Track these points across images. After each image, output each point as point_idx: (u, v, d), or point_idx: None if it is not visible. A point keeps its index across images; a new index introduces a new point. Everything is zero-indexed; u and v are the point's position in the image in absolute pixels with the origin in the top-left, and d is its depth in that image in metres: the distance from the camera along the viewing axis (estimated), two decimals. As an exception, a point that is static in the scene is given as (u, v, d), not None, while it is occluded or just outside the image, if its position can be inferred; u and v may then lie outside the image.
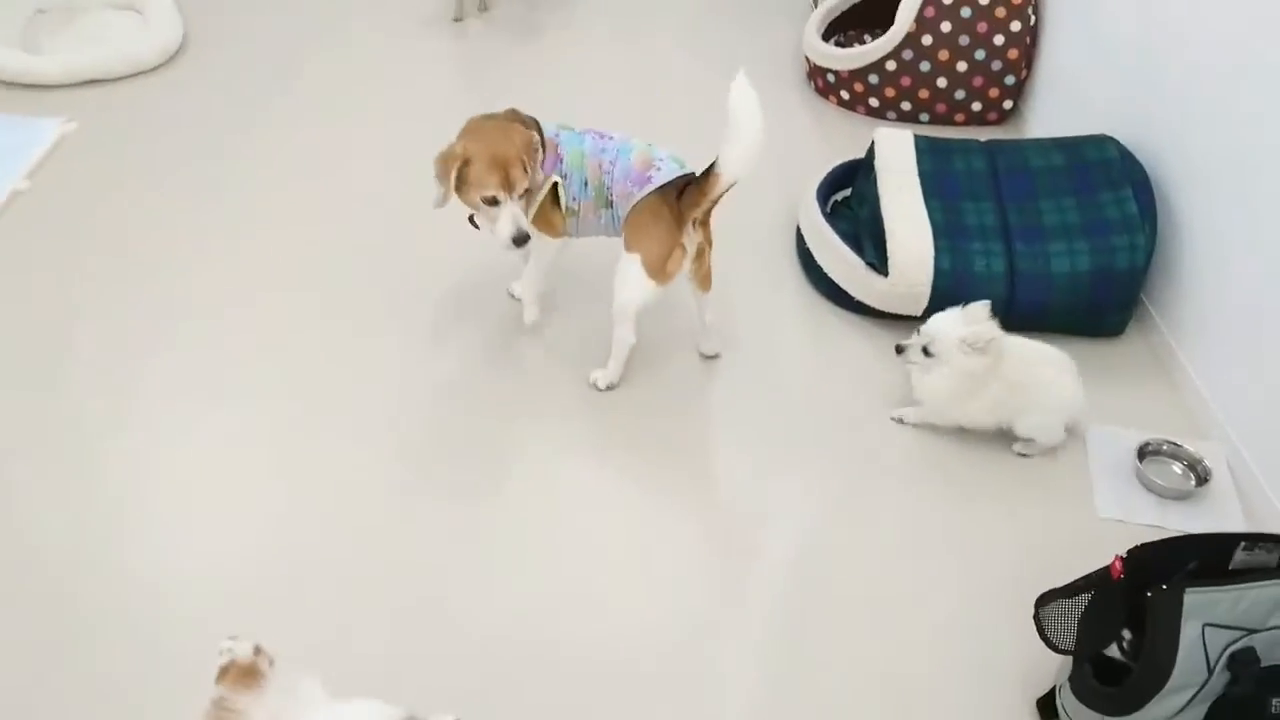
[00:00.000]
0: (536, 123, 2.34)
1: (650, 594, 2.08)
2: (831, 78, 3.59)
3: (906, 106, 3.51)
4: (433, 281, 2.79)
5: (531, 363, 2.58)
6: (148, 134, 3.34)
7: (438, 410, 2.46)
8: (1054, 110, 3.33)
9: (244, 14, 4.03)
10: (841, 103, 3.62)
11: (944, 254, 2.59)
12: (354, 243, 2.93)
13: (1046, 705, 1.85)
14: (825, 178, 2.97)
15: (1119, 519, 2.23)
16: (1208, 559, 1.71)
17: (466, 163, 2.22)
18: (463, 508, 2.24)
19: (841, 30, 3.81)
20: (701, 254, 2.37)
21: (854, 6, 3.76)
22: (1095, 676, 1.72)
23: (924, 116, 3.52)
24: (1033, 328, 2.40)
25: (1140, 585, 1.66)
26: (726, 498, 2.31)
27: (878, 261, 2.64)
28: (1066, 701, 1.78)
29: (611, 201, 2.35)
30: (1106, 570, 1.69)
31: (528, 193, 2.29)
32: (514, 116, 2.34)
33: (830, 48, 3.59)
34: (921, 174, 2.80)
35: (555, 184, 2.34)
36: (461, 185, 2.24)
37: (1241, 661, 1.61)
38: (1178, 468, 2.34)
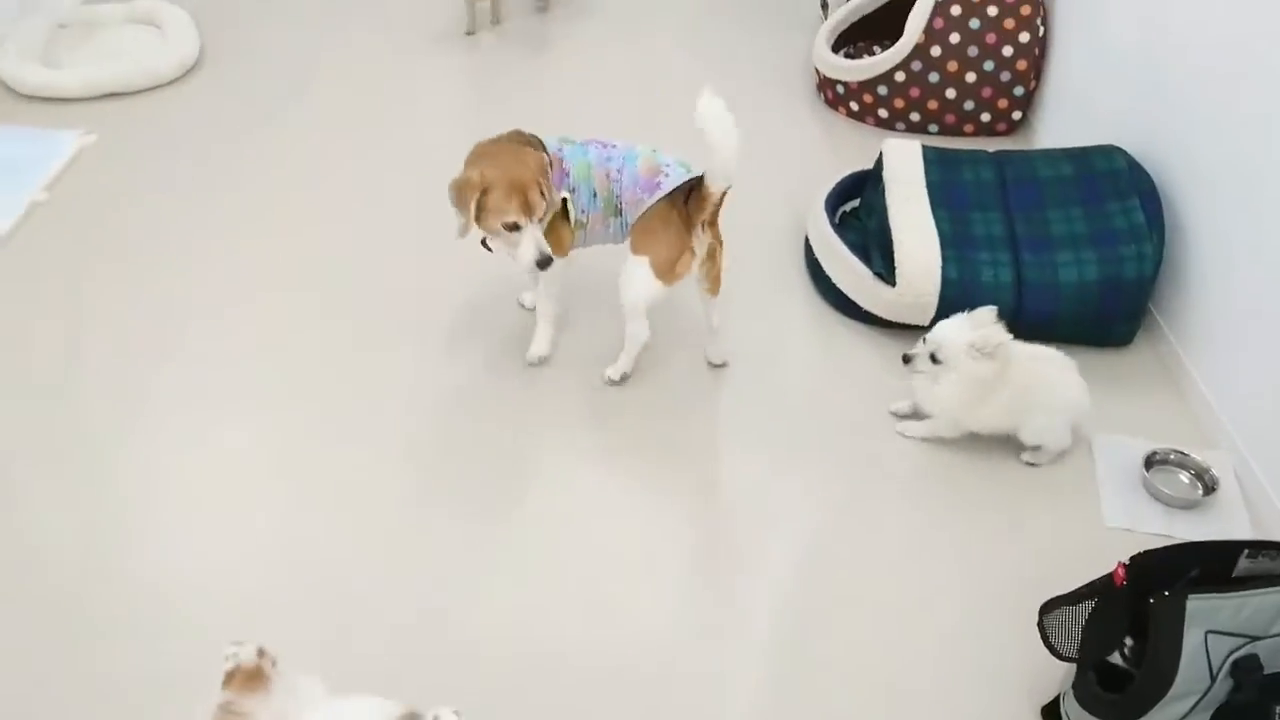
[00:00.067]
0: (540, 141, 2.36)
1: (655, 598, 2.09)
2: (841, 89, 3.61)
3: (916, 117, 3.52)
4: (444, 290, 2.82)
5: (539, 369, 2.60)
6: (165, 146, 3.39)
7: (445, 416, 2.48)
8: (1063, 121, 3.34)
9: (260, 28, 4.09)
10: (851, 114, 3.64)
11: (951, 264, 2.61)
12: (367, 253, 2.97)
13: (1051, 712, 1.85)
14: (834, 188, 2.98)
15: (1126, 528, 2.23)
16: (1211, 566, 1.71)
17: (485, 191, 2.22)
18: (468, 512, 2.26)
19: (851, 42, 3.83)
20: (713, 255, 2.39)
21: (864, 18, 3.78)
22: (1099, 683, 1.73)
23: (933, 127, 3.53)
24: (1040, 337, 2.40)
25: (1143, 592, 1.66)
26: (733, 504, 2.32)
27: (885, 271, 2.65)
28: (1070, 709, 1.78)
29: (620, 209, 2.38)
30: (1110, 577, 1.70)
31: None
32: (519, 138, 2.35)
33: (840, 59, 3.62)
34: (929, 184, 2.81)
35: (564, 199, 2.36)
36: (480, 213, 2.24)
37: (1245, 669, 1.62)
38: (1185, 477, 2.34)
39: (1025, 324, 2.44)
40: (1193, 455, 2.34)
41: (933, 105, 3.48)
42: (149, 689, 1.88)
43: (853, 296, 2.73)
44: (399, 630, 2.01)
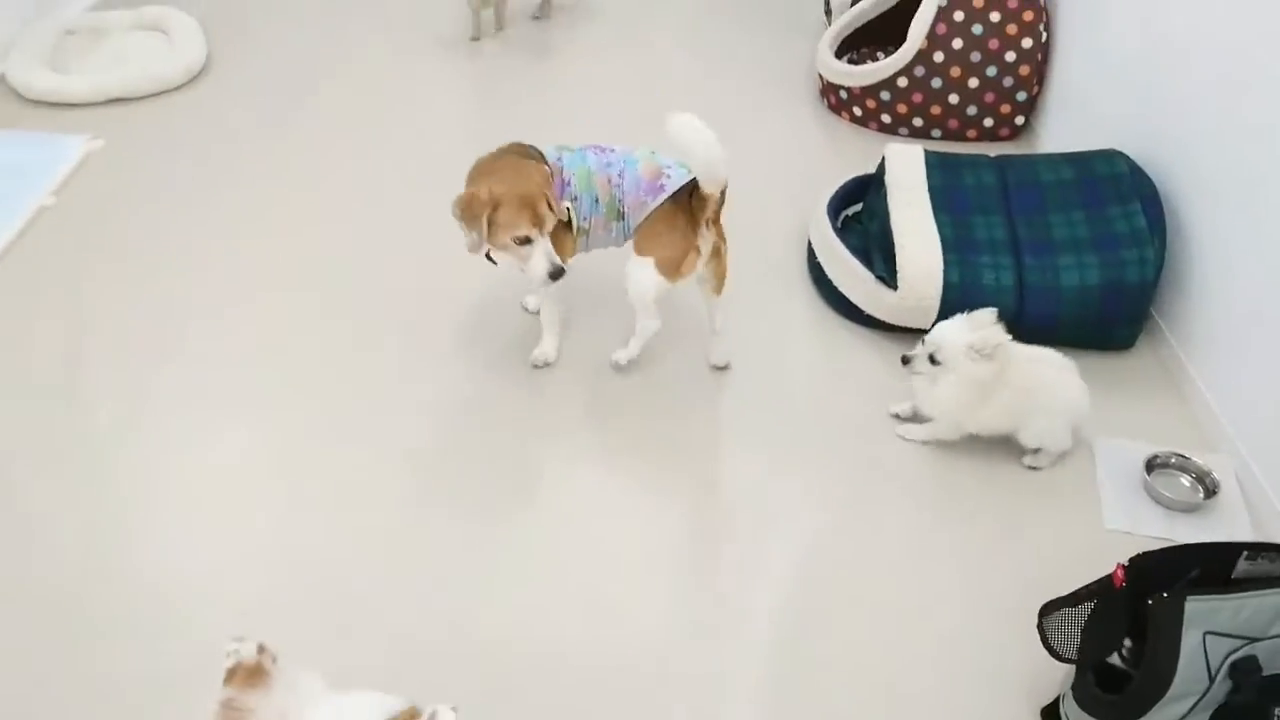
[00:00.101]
0: (539, 151, 2.37)
1: (655, 598, 2.10)
2: (844, 94, 3.62)
3: (919, 122, 3.53)
4: (446, 292, 2.83)
5: (541, 371, 2.61)
6: (171, 151, 3.42)
7: (445, 417, 2.49)
8: (1066, 126, 3.34)
9: (267, 35, 4.12)
10: (854, 119, 3.65)
11: (953, 267, 2.61)
12: (370, 255, 2.99)
13: (1051, 714, 1.85)
14: (836, 193, 3.00)
15: (1126, 531, 2.23)
16: (1210, 568, 1.71)
17: (495, 207, 2.23)
18: (468, 512, 2.27)
19: (855, 48, 3.85)
20: (718, 252, 2.40)
21: (867, 24, 3.80)
22: (1098, 684, 1.73)
23: (936, 132, 3.54)
24: (1042, 341, 2.40)
25: (1142, 594, 1.66)
26: (733, 504, 2.33)
27: (887, 275, 2.66)
28: (1070, 710, 1.78)
29: (623, 213, 2.39)
30: (1109, 579, 1.70)
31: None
32: (518, 150, 2.36)
33: (843, 65, 3.63)
34: (931, 189, 2.82)
35: (567, 208, 2.36)
36: (491, 229, 2.26)
37: (1243, 670, 1.62)
38: (1186, 480, 2.34)
39: (1027, 328, 2.44)
40: (1194, 459, 2.34)
41: (936, 110, 3.49)
42: (149, 689, 1.89)
43: (855, 300, 2.74)
44: (399, 630, 2.02)
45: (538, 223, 2.25)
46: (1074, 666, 1.79)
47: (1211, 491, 2.28)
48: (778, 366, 2.66)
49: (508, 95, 3.82)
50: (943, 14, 3.36)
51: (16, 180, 3.19)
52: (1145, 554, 1.71)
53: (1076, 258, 2.62)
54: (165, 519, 2.23)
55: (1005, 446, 2.38)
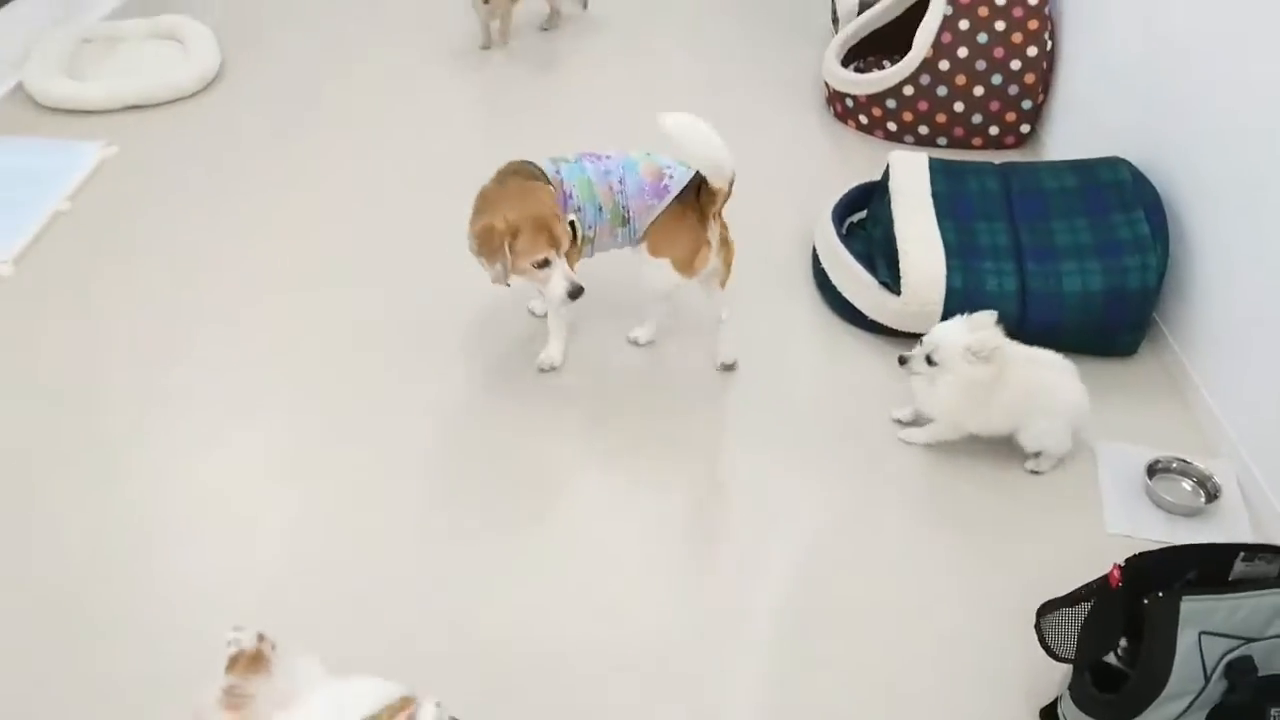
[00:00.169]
0: (540, 169, 2.37)
1: (655, 598, 2.11)
2: (850, 102, 3.64)
3: (924, 130, 3.55)
4: (454, 296, 2.85)
5: (546, 375, 2.63)
6: (184, 157, 3.46)
7: (448, 419, 2.51)
8: (1071, 134, 3.36)
9: (279, 43, 4.16)
10: (860, 127, 3.67)
11: (956, 273, 2.63)
12: (379, 260, 3.02)
13: (1050, 714, 1.86)
14: (841, 199, 3.01)
15: (1127, 534, 2.23)
16: (1207, 569, 1.72)
17: (514, 235, 2.23)
18: (470, 513, 2.28)
19: (861, 56, 3.87)
20: (725, 242, 2.43)
21: (874, 33, 3.82)
22: (1094, 684, 1.73)
23: (941, 140, 3.56)
24: (1044, 346, 2.40)
25: (1139, 594, 1.67)
26: (734, 505, 2.34)
27: (891, 281, 2.67)
28: (1067, 710, 1.79)
29: (628, 218, 2.41)
30: (1106, 579, 1.71)
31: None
32: (521, 172, 2.36)
33: (849, 73, 3.65)
34: (935, 195, 2.83)
35: (572, 221, 2.37)
36: (511, 257, 2.26)
37: (1239, 670, 1.62)
38: (1187, 484, 2.35)
39: (1029, 333, 2.45)
40: (1195, 463, 2.34)
41: (941, 119, 3.50)
42: (149, 689, 1.90)
43: (858, 305, 2.75)
44: (400, 630, 2.04)
45: (555, 244, 2.26)
46: (1072, 667, 1.80)
47: (1213, 496, 2.29)
48: (780, 369, 2.67)
49: (516, 103, 3.85)
50: (948, 23, 3.38)
51: (33, 186, 3.24)
52: (1142, 554, 1.72)
53: (1079, 264, 2.63)
54: (171, 520, 2.25)
55: (1006, 450, 2.39)
